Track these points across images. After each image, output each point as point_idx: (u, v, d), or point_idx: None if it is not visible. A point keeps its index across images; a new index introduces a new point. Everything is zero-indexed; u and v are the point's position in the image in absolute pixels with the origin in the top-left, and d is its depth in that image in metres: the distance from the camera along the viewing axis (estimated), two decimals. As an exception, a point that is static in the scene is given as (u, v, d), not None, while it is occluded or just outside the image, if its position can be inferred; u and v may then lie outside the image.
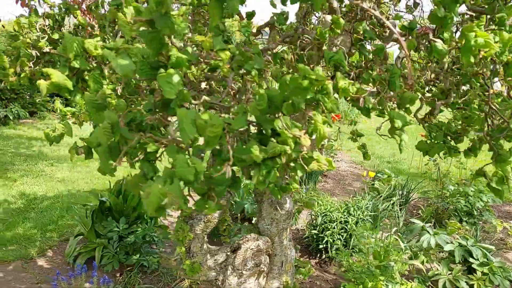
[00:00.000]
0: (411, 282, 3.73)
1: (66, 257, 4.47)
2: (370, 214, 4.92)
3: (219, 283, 3.17)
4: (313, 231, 4.83)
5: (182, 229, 3.12)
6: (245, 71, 1.51)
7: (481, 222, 5.50)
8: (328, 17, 1.89)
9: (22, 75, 2.93)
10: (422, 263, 3.98)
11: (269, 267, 3.25)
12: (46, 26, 2.78)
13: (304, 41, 2.14)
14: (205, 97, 1.49)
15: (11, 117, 10.87)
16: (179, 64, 1.32)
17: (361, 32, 2.03)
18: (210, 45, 1.46)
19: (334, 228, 4.71)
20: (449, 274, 3.82)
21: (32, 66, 2.63)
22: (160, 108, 1.59)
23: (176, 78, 1.29)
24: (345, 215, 4.78)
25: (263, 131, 1.41)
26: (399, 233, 4.47)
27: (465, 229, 4.19)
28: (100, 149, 1.44)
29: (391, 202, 5.34)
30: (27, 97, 11.95)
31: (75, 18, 2.98)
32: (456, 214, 5.35)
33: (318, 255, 4.87)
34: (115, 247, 4.23)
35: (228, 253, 3.26)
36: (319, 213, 4.87)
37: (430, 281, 3.95)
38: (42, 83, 1.57)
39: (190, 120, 1.26)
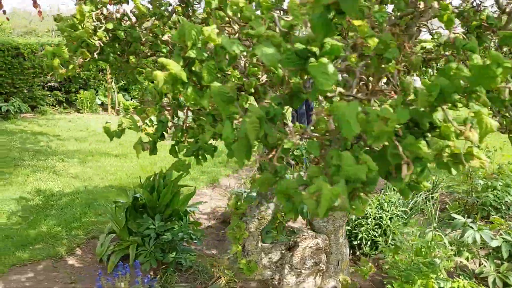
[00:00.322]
0: (458, 280, 3.67)
1: (97, 256, 4.33)
2: (402, 210, 4.85)
3: (276, 282, 3.08)
4: (347, 227, 4.75)
5: (238, 227, 3.01)
6: (383, 60, 1.41)
7: (507, 217, 5.48)
8: (435, 4, 1.80)
9: (70, 67, 2.79)
10: (467, 259, 3.93)
11: (326, 265, 3.17)
12: (101, 15, 2.64)
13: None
14: (340, 89, 1.38)
15: (12, 112, 10.62)
16: (333, 52, 1.21)
17: (485, 19, 1.94)
18: (368, 30, 1.35)
19: (368, 224, 4.64)
20: (496, 271, 3.77)
21: (96, 57, 2.49)
22: (287, 100, 1.48)
23: (331, 68, 1.18)
24: (378, 211, 4.71)
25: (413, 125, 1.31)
26: (437, 229, 4.41)
27: (508, 225, 4.15)
28: (238, 145, 1.32)
29: (420, 196, 5.28)
30: (26, 91, 11.69)
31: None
32: (485, 208, 5.32)
33: (351, 251, 4.80)
34: (151, 245, 4.11)
35: (283, 251, 3.16)
36: (352, 209, 4.79)
37: (476, 278, 3.90)
38: (159, 75, 1.45)
39: (353, 114, 1.15)
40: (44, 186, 6.22)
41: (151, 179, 4.64)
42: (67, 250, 4.47)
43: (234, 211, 3.26)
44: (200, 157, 2.51)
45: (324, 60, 1.19)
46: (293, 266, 3.02)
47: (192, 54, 1.50)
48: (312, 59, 1.22)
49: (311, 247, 3.02)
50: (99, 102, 12.48)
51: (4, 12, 7.82)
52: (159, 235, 4.14)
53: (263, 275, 3.12)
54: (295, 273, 3.02)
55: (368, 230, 4.63)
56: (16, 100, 11.00)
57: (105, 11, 2.64)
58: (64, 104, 12.45)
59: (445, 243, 3.99)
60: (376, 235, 4.64)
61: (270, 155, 1.36)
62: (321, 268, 3.05)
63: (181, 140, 2.66)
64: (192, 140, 2.61)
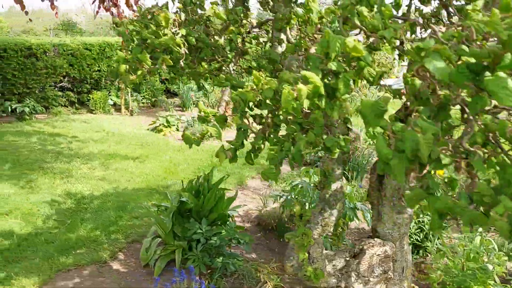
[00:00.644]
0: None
1: (142, 260, 4.30)
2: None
3: (342, 290, 3.06)
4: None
5: (305, 234, 2.99)
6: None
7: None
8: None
9: (139, 73, 2.77)
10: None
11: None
12: (177, 21, 2.61)
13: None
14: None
15: (27, 112, 10.54)
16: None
17: None
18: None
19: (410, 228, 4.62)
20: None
21: (182, 64, 2.46)
22: (435, 112, 1.46)
23: (511, 82, 1.16)
24: (420, 215, 4.70)
25: None
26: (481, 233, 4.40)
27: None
28: (399, 162, 1.30)
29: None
30: (38, 91, 11.60)
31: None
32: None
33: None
34: (199, 250, 4.08)
35: (347, 259, 3.14)
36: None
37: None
38: (303, 89, 1.42)
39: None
40: (73, 189, 6.18)
41: (194, 183, 4.62)
42: (110, 254, 4.43)
43: (297, 218, 3.24)
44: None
45: (502, 74, 1.17)
46: (360, 274, 3.00)
47: (333, 66, 1.48)
48: (487, 73, 1.20)
49: (379, 254, 3.00)
50: (111, 103, 12.41)
51: (26, 13, 7.79)
52: (206, 239, 4.12)
53: (328, 283, 3.09)
54: (363, 281, 3.00)
55: (410, 234, 4.61)
56: (31, 101, 10.92)
57: (182, 17, 2.61)
58: (76, 105, 12.38)
59: (494, 248, 3.99)
60: (419, 239, 4.63)
61: (424, 171, 1.34)
62: (389, 276, 3.04)
63: (260, 147, 2.63)
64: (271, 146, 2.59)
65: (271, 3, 3.00)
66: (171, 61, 2.45)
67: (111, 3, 8.27)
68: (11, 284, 3.86)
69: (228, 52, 2.95)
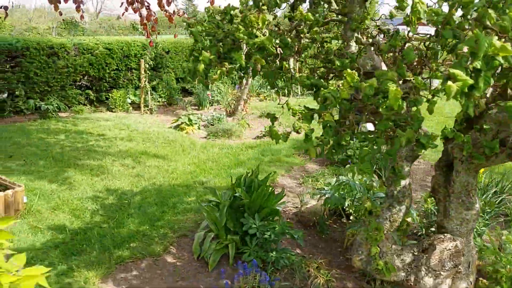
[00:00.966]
0: None
1: (194, 254, 4.40)
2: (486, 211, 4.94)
3: (411, 284, 3.16)
4: (432, 229, 4.83)
5: (378, 229, 3.09)
6: None
7: None
8: None
9: (218, 72, 2.87)
10: None
11: (460, 267, 3.25)
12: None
13: None
14: None
15: (51, 110, 10.64)
16: None
17: None
18: None
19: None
20: None
21: (278, 63, 2.56)
22: None
23: None
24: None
25: None
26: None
27: None
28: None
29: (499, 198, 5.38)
30: (58, 90, 11.70)
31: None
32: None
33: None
34: (254, 244, 4.18)
35: (415, 253, 3.24)
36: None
37: None
38: (453, 86, 1.52)
39: None
40: (112, 185, 6.28)
41: (242, 179, 4.71)
42: (163, 248, 4.54)
43: (365, 213, 3.34)
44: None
45: None
46: (431, 268, 3.10)
47: (478, 65, 1.58)
48: None
49: (449, 249, 3.10)
50: (129, 101, 12.52)
51: (61, 13, 7.89)
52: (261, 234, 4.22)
53: (397, 276, 3.20)
54: (433, 275, 3.10)
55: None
56: (55, 99, 11.02)
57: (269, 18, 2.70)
58: (95, 103, 12.48)
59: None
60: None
61: None
62: (459, 270, 3.14)
63: (343, 143, 2.71)
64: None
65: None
66: (264, 61, 2.55)
67: (139, 5, 8.36)
68: (74, 276, 3.96)
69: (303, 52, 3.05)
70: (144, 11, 8.32)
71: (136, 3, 8.27)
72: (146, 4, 8.12)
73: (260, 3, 2.71)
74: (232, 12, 3.12)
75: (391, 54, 3.13)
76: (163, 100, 13.21)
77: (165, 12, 7.93)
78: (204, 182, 6.63)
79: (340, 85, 2.58)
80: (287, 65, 2.89)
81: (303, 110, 2.67)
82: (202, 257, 4.35)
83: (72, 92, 11.91)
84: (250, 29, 2.56)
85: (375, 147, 2.45)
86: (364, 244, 3.23)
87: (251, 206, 4.44)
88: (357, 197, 4.87)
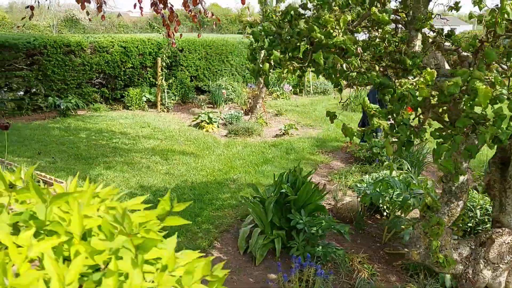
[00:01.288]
0: None
1: (240, 249, 4.48)
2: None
3: (469, 276, 3.24)
4: (469, 225, 4.92)
5: (439, 223, 3.17)
6: None
7: None
8: None
9: (285, 71, 2.95)
10: None
11: None
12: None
13: None
14: None
15: (70, 108, 10.71)
16: None
17: None
18: None
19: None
20: None
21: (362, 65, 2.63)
22: None
23: None
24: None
25: None
26: None
27: None
28: None
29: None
30: (75, 87, 11.77)
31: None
32: None
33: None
34: (301, 239, 4.26)
35: (472, 247, 3.32)
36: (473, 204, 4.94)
37: None
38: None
39: None
40: (145, 182, 6.36)
41: (284, 176, 4.79)
42: (208, 243, 4.62)
43: (424, 209, 3.42)
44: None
45: None
46: (490, 261, 3.18)
47: None
48: None
49: (508, 242, 3.18)
50: (145, 99, 12.59)
51: (88, 13, 7.95)
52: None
53: (456, 269, 3.28)
54: (491, 267, 3.18)
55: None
56: (73, 97, 11.10)
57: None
58: (110, 101, 12.55)
59: None
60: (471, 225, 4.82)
61: None
62: (517, 262, 3.22)
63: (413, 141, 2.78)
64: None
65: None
66: (342, 61, 2.63)
67: (161, 5, 8.41)
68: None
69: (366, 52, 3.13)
70: (164, 12, 8.37)
71: (160, 3, 8.33)
72: (169, 5, 8.17)
73: (333, 3, 2.79)
74: (292, 12, 3.20)
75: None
76: (177, 98, 13.27)
77: (189, 12, 7.99)
78: (235, 179, 6.71)
79: (414, 83, 2.66)
80: (356, 64, 2.96)
81: (377, 108, 2.75)
82: (248, 252, 4.43)
83: (88, 90, 11.98)
84: (326, 29, 2.63)
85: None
86: (422, 238, 3.31)
87: (296, 202, 4.53)
88: (395, 193, 4.95)
